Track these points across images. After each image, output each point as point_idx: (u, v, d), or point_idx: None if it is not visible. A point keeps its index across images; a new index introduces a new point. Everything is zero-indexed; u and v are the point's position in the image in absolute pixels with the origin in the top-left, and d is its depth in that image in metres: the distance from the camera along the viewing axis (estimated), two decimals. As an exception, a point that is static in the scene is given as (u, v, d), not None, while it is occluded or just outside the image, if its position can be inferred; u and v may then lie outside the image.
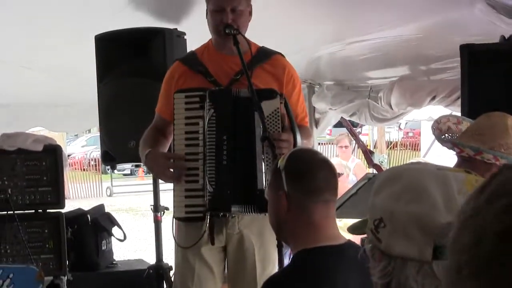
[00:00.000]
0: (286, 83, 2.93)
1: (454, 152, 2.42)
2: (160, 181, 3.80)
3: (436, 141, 2.55)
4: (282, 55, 3.01)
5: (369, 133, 23.00)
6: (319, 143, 6.99)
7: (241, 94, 2.75)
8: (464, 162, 2.31)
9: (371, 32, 4.05)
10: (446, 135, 2.47)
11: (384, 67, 4.62)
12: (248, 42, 2.88)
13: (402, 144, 24.03)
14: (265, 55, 2.93)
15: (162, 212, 4.18)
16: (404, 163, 5.66)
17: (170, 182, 2.86)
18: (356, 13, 3.82)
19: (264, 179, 2.67)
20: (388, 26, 3.85)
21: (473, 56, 3.25)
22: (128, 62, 3.96)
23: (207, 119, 2.73)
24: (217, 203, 2.73)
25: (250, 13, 2.93)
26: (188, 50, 3.52)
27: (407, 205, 1.24)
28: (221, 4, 2.82)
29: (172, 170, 2.81)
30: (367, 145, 16.60)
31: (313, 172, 2.02)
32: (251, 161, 2.66)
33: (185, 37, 3.92)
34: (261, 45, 3.02)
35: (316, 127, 5.67)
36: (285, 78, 2.92)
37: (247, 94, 2.68)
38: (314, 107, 5.60)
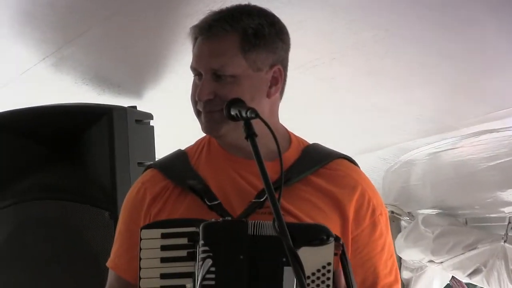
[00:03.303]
0: (356, 218, 2.47)
1: None
2: None
3: None
4: (352, 161, 2.58)
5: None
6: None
7: (264, 232, 2.32)
8: None
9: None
10: None
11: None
12: (287, 135, 2.56)
13: None
14: (316, 158, 2.53)
15: None
16: None
17: None
18: (486, 76, 3.53)
19: None
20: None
21: None
22: (38, 172, 3.58)
23: (199, 278, 2.27)
24: None
25: (276, 82, 2.47)
26: (160, 147, 3.46)
27: None
28: (195, 63, 2.47)
29: None
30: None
31: None
32: None
33: (152, 122, 3.67)
34: (309, 140, 2.65)
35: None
36: (356, 205, 2.48)
37: (273, 233, 2.21)
38: (400, 259, 5.07)
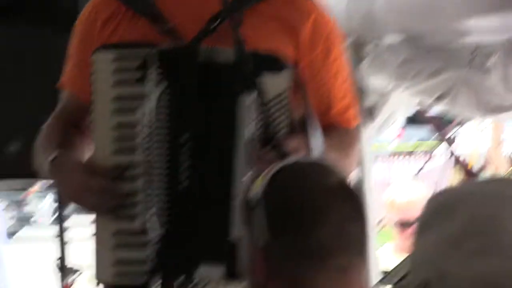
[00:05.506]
0: (310, 42, 2.58)
1: None
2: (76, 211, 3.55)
3: None
4: None
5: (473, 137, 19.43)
6: (376, 156, 7.09)
7: (217, 59, 2.45)
8: None
9: None
10: None
11: (501, 8, 3.82)
12: None
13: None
14: None
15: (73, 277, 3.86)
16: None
17: (91, 212, 2.51)
18: None
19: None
20: None
21: None
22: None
23: (154, 102, 2.43)
24: (171, 259, 2.42)
25: None
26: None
27: (471, 260, 1.23)
28: None
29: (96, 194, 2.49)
30: (468, 164, 13.71)
31: (316, 216, 1.80)
32: (228, 186, 2.37)
33: None
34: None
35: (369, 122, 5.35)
36: (309, 32, 2.57)
37: (230, 59, 2.37)
38: (364, 86, 5.24)
